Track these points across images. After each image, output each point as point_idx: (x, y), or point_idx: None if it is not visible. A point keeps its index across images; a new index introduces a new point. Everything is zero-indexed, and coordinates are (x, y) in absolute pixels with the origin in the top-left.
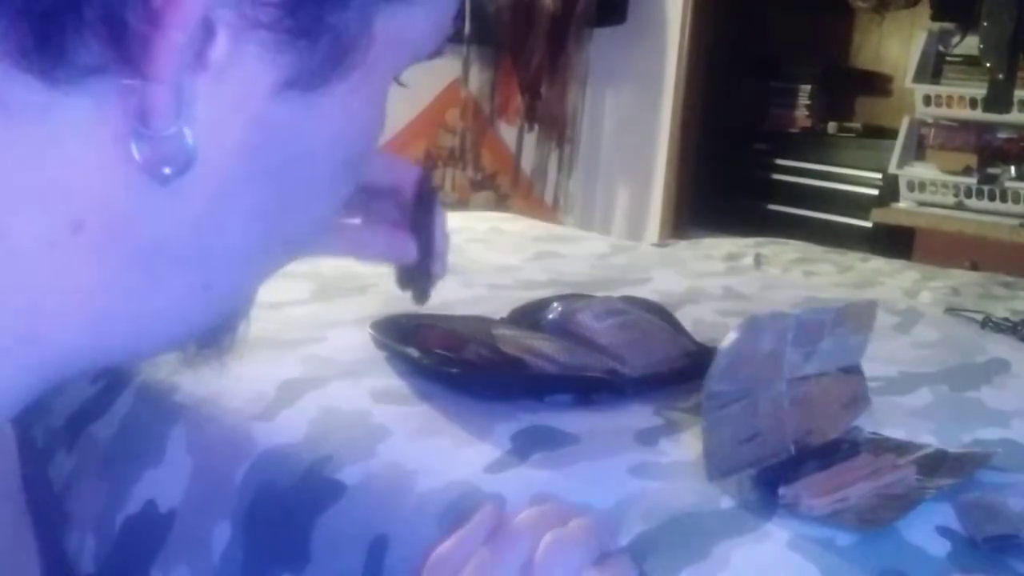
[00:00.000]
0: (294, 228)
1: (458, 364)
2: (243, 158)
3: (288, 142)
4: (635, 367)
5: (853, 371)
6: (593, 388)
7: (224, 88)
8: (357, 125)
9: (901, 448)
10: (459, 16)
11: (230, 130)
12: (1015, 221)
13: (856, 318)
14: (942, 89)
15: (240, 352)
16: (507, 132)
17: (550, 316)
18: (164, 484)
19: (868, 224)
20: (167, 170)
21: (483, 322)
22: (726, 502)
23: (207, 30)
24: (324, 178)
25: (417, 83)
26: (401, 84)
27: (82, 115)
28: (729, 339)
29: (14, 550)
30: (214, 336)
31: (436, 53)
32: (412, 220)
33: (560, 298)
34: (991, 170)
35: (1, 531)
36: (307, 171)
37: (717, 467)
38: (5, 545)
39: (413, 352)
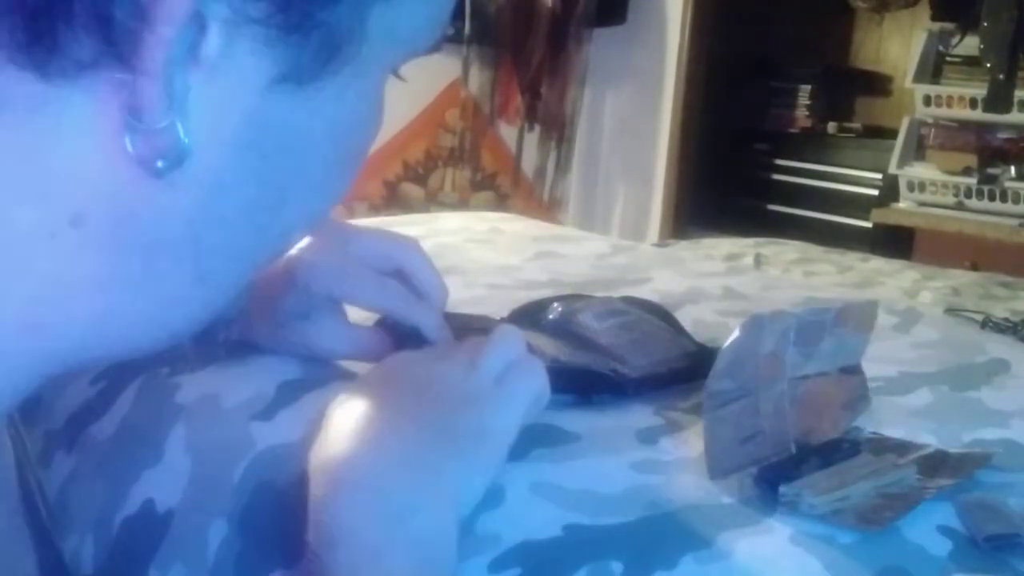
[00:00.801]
0: (291, 220)
1: None
2: (238, 152)
3: (283, 136)
4: (636, 367)
5: (853, 370)
6: (594, 389)
7: (218, 83)
8: (354, 119)
9: (901, 448)
10: (459, 16)
11: (225, 124)
12: (1015, 221)
13: (857, 318)
14: (942, 89)
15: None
16: (507, 132)
17: (550, 316)
18: (162, 484)
19: (868, 224)
20: (160, 163)
21: (483, 322)
22: (728, 497)
23: (199, 25)
24: (321, 171)
25: (417, 83)
26: (400, 78)
27: (79, 109)
28: (731, 338)
29: (10, 550)
30: (210, 328)
31: (434, 47)
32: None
33: (560, 298)
34: (991, 170)
35: None
36: (304, 165)
37: (718, 466)
38: (1, 545)
39: None
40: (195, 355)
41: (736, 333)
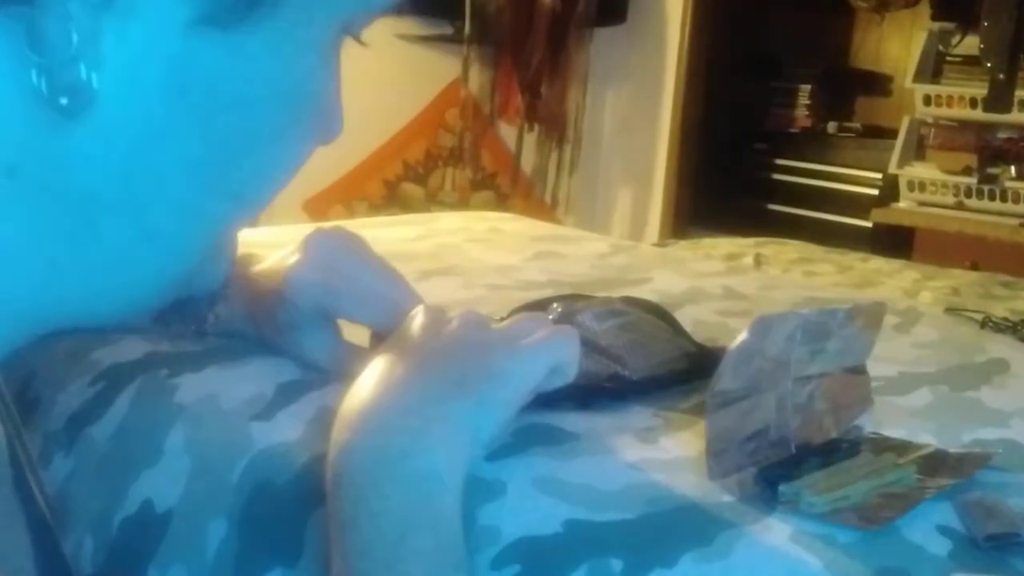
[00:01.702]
0: (241, 179)
1: None
2: (167, 99)
3: (215, 84)
4: (635, 369)
5: (858, 371)
6: (593, 395)
7: (135, 25)
8: (295, 72)
9: (901, 448)
10: (459, 16)
11: (145, 68)
12: (1015, 221)
13: (864, 318)
14: (942, 89)
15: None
16: (507, 132)
17: (550, 317)
18: (162, 484)
19: (868, 224)
20: (64, 100)
21: None
22: (728, 496)
23: None
24: (265, 127)
25: (417, 83)
26: (360, 42)
27: None
28: (739, 339)
29: (7, 550)
30: (191, 303)
31: (392, 7)
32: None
33: (560, 298)
34: (991, 170)
35: None
36: (244, 118)
37: (719, 465)
38: None
39: None
40: (184, 335)
41: (743, 334)
